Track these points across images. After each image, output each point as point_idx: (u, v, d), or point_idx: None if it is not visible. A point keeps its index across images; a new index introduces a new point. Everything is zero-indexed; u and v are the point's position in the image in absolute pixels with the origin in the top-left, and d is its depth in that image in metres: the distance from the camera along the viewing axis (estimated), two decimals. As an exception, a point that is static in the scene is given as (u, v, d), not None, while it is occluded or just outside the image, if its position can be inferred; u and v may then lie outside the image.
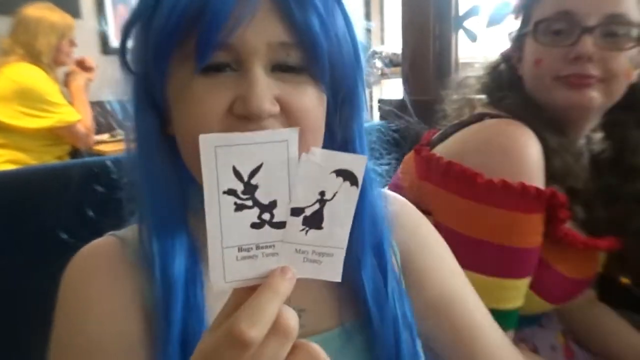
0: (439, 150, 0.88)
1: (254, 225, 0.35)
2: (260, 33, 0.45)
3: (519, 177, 0.76)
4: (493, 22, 1.44)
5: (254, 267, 0.36)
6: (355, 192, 0.35)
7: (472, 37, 1.51)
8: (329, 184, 0.35)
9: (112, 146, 2.56)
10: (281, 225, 0.35)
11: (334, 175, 0.35)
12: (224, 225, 0.35)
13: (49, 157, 2.35)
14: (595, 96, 0.80)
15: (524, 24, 0.89)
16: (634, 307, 1.12)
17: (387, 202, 0.60)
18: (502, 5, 1.42)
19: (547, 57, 0.82)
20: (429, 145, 0.93)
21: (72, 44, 2.40)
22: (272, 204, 0.35)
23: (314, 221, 0.36)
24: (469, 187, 0.79)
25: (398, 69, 1.69)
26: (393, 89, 1.74)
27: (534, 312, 0.89)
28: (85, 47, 2.66)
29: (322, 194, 0.35)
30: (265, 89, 0.45)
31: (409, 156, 0.97)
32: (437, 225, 0.84)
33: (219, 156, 0.33)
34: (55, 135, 2.33)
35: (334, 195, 0.35)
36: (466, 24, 1.52)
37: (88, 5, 2.93)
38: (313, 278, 0.37)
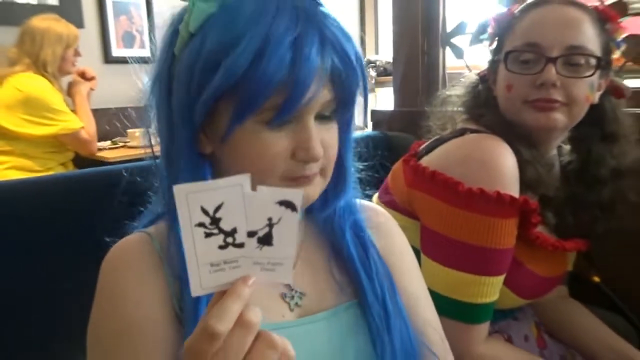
0: (425, 160, 0.98)
1: (221, 247, 0.44)
2: (320, 97, 0.57)
3: (495, 186, 0.85)
4: (475, 41, 1.54)
5: (223, 277, 0.45)
6: (295, 216, 0.44)
7: (459, 53, 1.62)
8: (274, 212, 0.44)
9: (114, 152, 2.64)
10: (241, 245, 0.45)
11: (278, 204, 0.44)
12: (198, 249, 0.44)
13: (53, 164, 2.43)
14: (559, 118, 0.90)
15: (497, 51, 0.98)
16: (602, 303, 1.23)
17: (367, 210, 0.75)
18: (482, 27, 1.51)
19: (516, 83, 0.91)
20: (416, 156, 1.03)
21: (77, 53, 2.48)
22: (233, 230, 0.44)
23: (266, 240, 0.45)
24: (451, 194, 0.88)
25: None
26: (387, 96, 1.83)
27: (509, 307, 0.99)
28: (88, 56, 2.73)
29: (269, 219, 0.44)
30: (318, 138, 0.58)
31: (398, 165, 1.06)
32: (424, 229, 0.95)
33: (189, 200, 0.43)
34: (59, 142, 2.41)
35: (279, 220, 0.45)
36: (453, 40, 1.63)
37: (91, 15, 3.00)
38: (270, 282, 0.46)
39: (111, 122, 2.66)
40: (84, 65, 2.63)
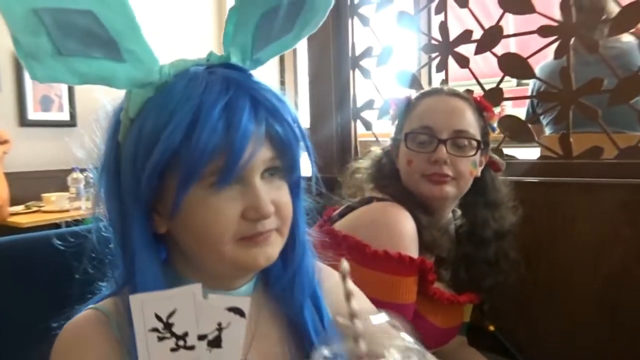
0: (338, 225, 1.09)
1: (173, 350, 0.48)
2: (261, 156, 0.58)
3: (397, 248, 0.97)
4: (382, 115, 1.73)
5: None
6: (243, 320, 0.48)
7: (368, 126, 1.80)
8: (224, 317, 0.48)
9: (28, 217, 2.55)
10: (192, 347, 0.48)
11: (227, 310, 0.48)
12: (151, 352, 0.47)
13: (-40, 230, 2.32)
14: (450, 190, 1.06)
15: (398, 130, 1.14)
16: (498, 350, 1.37)
17: (319, 272, 0.73)
18: (388, 104, 1.71)
19: (415, 159, 1.07)
20: (329, 221, 1.14)
21: None
22: (185, 334, 0.48)
23: (215, 342, 0.48)
24: (360, 255, 0.99)
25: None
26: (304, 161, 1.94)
27: (414, 356, 1.10)
28: (3, 119, 2.69)
29: (219, 324, 0.48)
30: (267, 196, 0.58)
31: (314, 229, 1.17)
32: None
33: (145, 308, 0.46)
34: None
35: (228, 324, 0.48)
36: (363, 114, 1.81)
37: (7, 78, 2.97)
38: None
39: (25, 186, 2.60)
40: (-1, 128, 2.58)
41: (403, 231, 1.00)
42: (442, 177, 1.05)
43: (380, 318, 0.51)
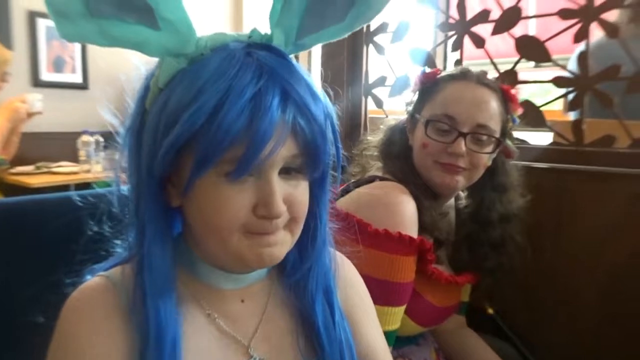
0: (341, 203, 1.09)
1: None
2: (282, 152, 0.54)
3: (397, 227, 0.97)
4: (394, 93, 1.70)
5: None
6: None
7: (379, 103, 1.78)
8: None
9: (37, 178, 2.57)
10: None
11: None
12: None
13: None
14: (461, 180, 1.05)
15: (418, 108, 1.11)
16: (495, 332, 1.38)
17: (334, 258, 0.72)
18: (400, 81, 1.68)
19: (431, 145, 1.05)
20: (334, 198, 1.14)
21: (3, 79, 2.44)
22: None
23: None
24: (361, 234, 0.98)
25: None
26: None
27: (410, 334, 1.10)
28: (16, 79, 2.68)
29: None
30: (280, 195, 0.56)
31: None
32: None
33: None
34: None
35: None
36: (374, 91, 1.79)
37: (20, 38, 2.97)
38: None
39: (35, 147, 2.62)
40: (12, 87, 2.57)
41: (403, 212, 1.00)
42: (455, 168, 1.04)
43: None
